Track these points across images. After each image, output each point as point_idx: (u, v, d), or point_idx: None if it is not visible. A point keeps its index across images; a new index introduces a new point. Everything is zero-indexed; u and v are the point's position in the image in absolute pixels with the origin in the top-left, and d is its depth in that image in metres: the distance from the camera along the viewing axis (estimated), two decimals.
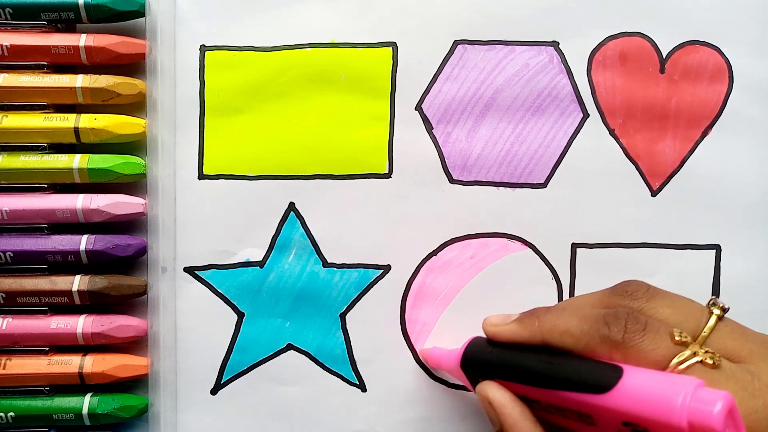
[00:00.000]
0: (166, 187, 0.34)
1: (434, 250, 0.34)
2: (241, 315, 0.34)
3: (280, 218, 0.34)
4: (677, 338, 0.24)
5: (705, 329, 0.25)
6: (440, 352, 0.32)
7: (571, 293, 0.35)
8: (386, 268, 0.34)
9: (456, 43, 0.34)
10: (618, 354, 0.24)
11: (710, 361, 0.23)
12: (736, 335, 0.25)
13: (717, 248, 0.35)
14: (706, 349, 0.24)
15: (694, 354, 0.23)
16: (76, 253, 0.33)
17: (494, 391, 0.27)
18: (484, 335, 0.29)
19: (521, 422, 0.26)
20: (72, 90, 0.33)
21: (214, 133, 0.34)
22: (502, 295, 0.34)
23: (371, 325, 0.34)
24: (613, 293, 0.27)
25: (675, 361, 0.23)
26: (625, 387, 0.23)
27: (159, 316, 0.34)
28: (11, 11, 0.33)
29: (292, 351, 0.34)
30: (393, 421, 0.34)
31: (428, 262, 0.34)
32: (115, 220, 0.33)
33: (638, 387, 0.23)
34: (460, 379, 0.30)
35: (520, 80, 0.34)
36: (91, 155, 0.33)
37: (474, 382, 0.29)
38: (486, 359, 0.29)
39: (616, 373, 0.23)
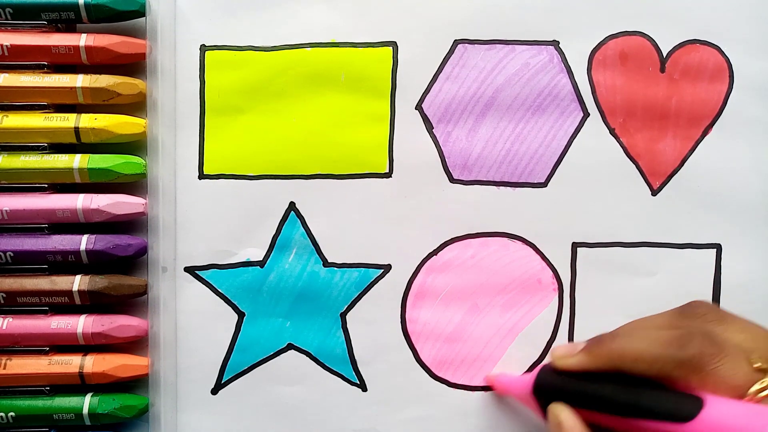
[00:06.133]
0: (167, 187, 0.34)
1: (434, 250, 0.34)
2: (241, 315, 0.34)
3: (280, 218, 0.34)
4: (756, 365, 0.23)
5: None
6: (509, 379, 0.33)
7: (572, 293, 0.34)
8: (386, 268, 0.34)
9: (456, 42, 0.34)
10: (695, 378, 0.24)
11: None
12: None
13: (717, 247, 0.35)
14: None
15: None
16: (77, 253, 0.33)
17: (566, 415, 0.27)
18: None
19: None
20: (72, 90, 0.33)
21: (214, 133, 0.34)
22: (503, 295, 0.34)
23: (371, 324, 0.34)
24: (681, 314, 0.27)
25: (755, 388, 0.23)
26: (708, 417, 0.22)
27: (159, 316, 0.34)
28: (11, 11, 0.33)
29: (292, 351, 0.34)
30: (393, 420, 0.34)
31: (428, 261, 0.34)
32: (116, 220, 0.33)
33: (722, 417, 0.22)
34: (529, 405, 0.30)
35: (521, 80, 0.34)
36: (91, 155, 0.33)
37: (544, 408, 0.29)
38: (560, 387, 0.28)
39: (697, 402, 0.23)
